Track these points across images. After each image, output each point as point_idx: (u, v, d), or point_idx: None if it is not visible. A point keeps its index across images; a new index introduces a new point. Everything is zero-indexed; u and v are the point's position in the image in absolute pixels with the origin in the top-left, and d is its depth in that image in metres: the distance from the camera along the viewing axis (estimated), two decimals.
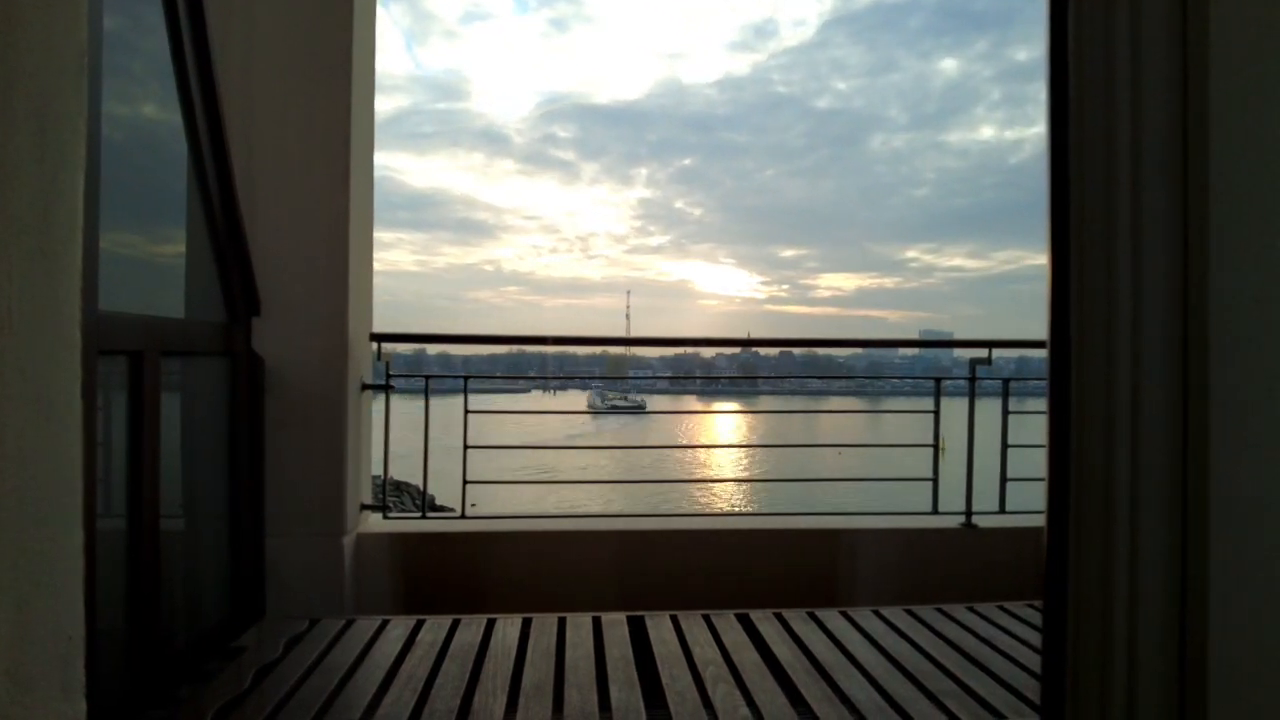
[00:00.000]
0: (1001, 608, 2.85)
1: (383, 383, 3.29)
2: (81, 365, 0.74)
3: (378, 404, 3.38)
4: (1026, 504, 3.44)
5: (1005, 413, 3.46)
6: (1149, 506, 0.85)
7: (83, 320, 0.74)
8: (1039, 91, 0.89)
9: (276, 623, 2.62)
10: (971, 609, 2.83)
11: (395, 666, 2.29)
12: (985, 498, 3.43)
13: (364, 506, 3.19)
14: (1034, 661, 2.33)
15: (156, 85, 2.22)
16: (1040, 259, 0.93)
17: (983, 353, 3.45)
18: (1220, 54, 0.80)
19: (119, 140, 1.96)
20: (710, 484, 21.33)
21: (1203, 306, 0.82)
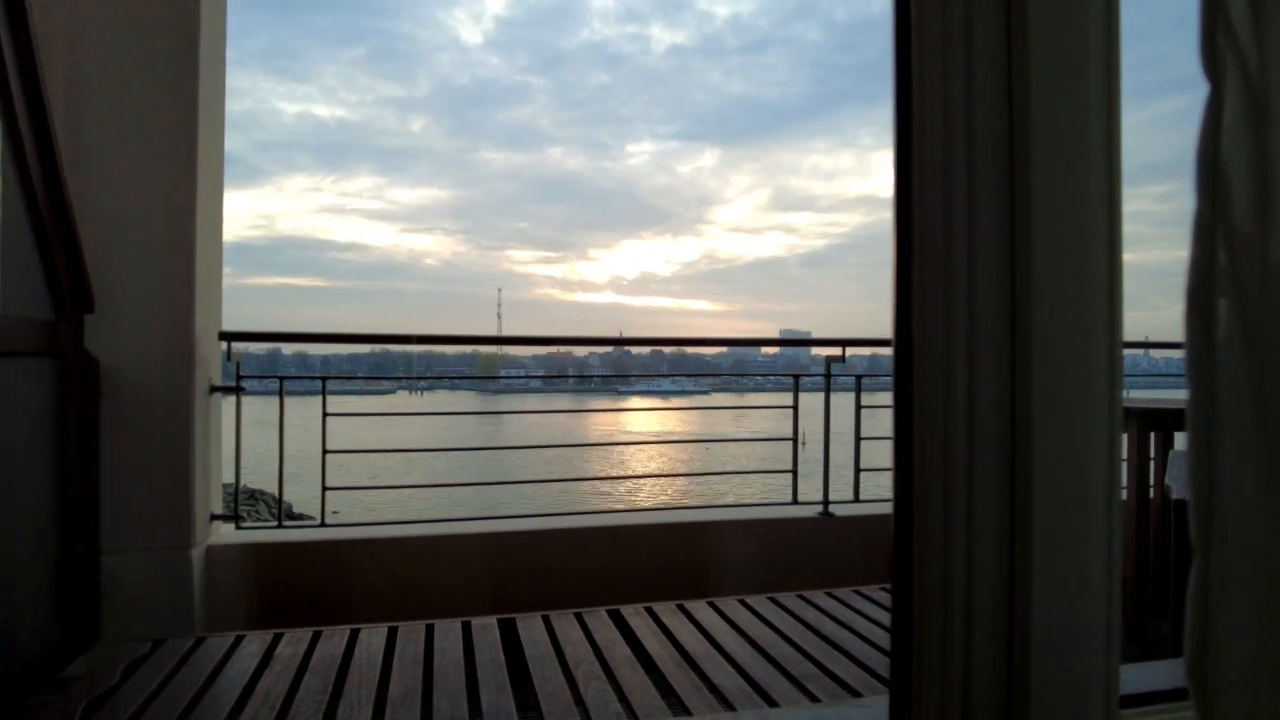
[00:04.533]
0: (858, 591, 3.03)
1: (233, 384, 3.09)
2: None
3: (229, 407, 3.16)
4: (880, 493, 3.67)
5: (858, 407, 3.68)
6: (982, 496, 0.93)
7: None
8: None
9: (113, 647, 2.42)
10: (830, 594, 3.00)
11: (250, 685, 2.16)
12: (842, 487, 3.63)
13: (214, 517, 2.98)
14: (887, 641, 2.50)
15: None
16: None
17: (837, 351, 3.65)
18: (1039, 85, 0.90)
19: None
20: (581, 482, 21.38)
21: (1027, 315, 0.91)
